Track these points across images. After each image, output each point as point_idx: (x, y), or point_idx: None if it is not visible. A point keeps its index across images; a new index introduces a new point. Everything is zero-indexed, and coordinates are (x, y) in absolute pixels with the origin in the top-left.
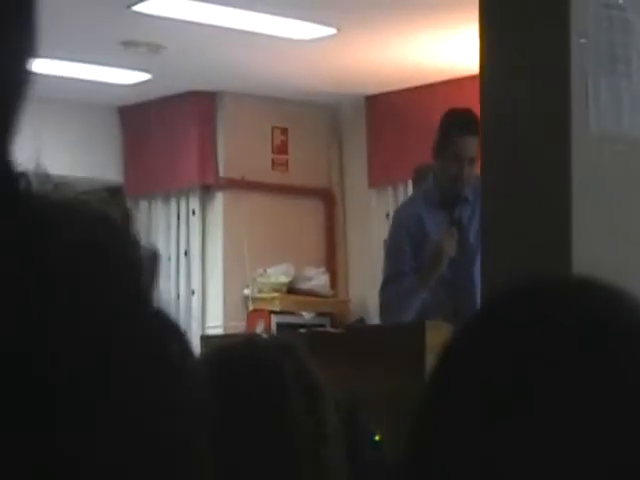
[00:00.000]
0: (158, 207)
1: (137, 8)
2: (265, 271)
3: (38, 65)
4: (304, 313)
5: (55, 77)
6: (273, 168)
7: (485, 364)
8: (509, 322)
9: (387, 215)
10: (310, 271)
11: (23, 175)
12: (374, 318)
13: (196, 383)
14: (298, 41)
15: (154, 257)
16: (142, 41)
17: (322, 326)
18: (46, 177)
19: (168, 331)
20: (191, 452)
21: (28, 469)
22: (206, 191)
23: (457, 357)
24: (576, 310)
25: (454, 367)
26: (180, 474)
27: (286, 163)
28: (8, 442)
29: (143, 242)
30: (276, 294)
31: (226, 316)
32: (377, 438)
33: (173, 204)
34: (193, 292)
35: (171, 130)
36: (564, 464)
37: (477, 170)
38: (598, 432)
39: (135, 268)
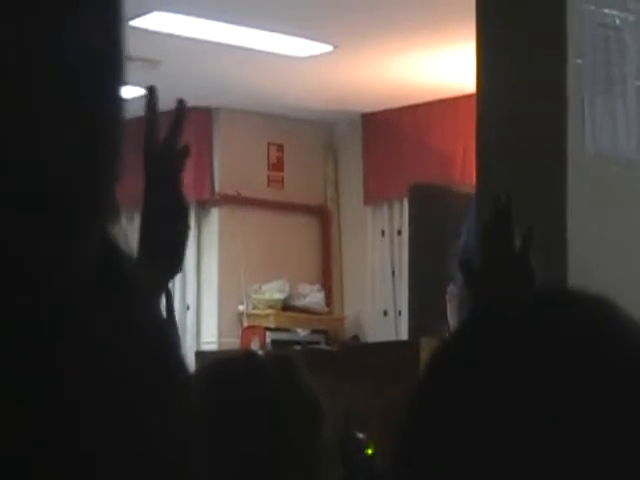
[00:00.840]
0: None
1: (134, 23)
2: (260, 287)
3: None
4: (299, 330)
5: None
6: (269, 185)
7: (461, 385)
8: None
9: (382, 232)
10: (305, 288)
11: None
12: (369, 336)
13: (189, 397)
14: (295, 58)
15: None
16: (138, 56)
17: (317, 343)
18: None
19: (163, 345)
20: (184, 465)
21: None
22: (201, 206)
23: (436, 375)
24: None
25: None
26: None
27: (282, 180)
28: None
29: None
30: (271, 311)
31: (221, 332)
32: (370, 452)
33: None
34: (188, 307)
35: None
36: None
37: None
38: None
39: (133, 283)
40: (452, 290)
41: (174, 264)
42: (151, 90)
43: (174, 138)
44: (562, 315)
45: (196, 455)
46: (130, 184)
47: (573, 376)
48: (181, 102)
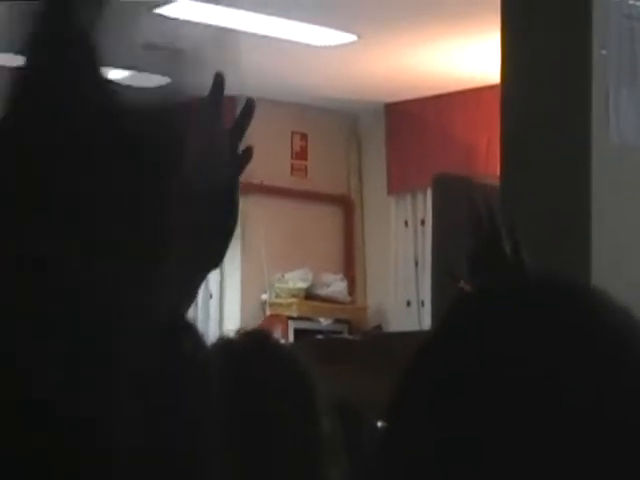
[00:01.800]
0: None
1: (159, 11)
2: (283, 276)
3: None
4: (322, 319)
5: None
6: (292, 174)
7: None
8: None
9: (406, 222)
10: (328, 277)
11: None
12: (391, 326)
13: (208, 377)
14: (319, 47)
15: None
16: (162, 44)
17: (340, 333)
18: None
19: (180, 325)
20: (200, 443)
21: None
22: None
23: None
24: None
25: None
26: (190, 468)
27: (305, 169)
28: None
29: None
30: (294, 299)
31: (243, 321)
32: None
33: None
34: (211, 296)
35: None
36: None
37: None
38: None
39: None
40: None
41: (218, 254)
42: (219, 77)
43: (240, 131)
44: (546, 298)
45: (212, 433)
46: None
47: (556, 353)
48: (250, 100)
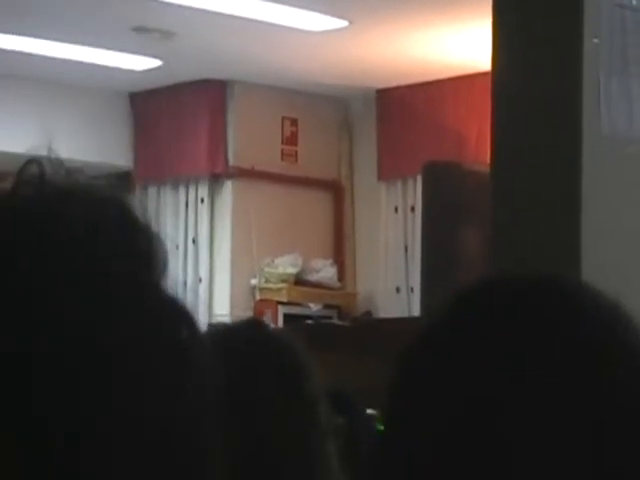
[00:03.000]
0: (167, 194)
1: None
2: (273, 261)
3: (50, 48)
4: (311, 305)
5: (67, 61)
6: (282, 159)
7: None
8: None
9: (396, 208)
10: (318, 263)
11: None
12: (381, 312)
13: (204, 367)
14: (310, 32)
15: (162, 242)
16: (154, 27)
17: (329, 318)
18: (59, 163)
19: (178, 318)
20: (197, 433)
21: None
22: (215, 179)
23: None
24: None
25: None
26: (186, 455)
27: (295, 154)
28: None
29: (152, 227)
30: (283, 285)
31: (233, 305)
32: (381, 428)
33: (182, 192)
34: (200, 280)
35: (181, 117)
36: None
37: None
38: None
39: (146, 255)
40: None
41: None
42: None
43: None
44: (545, 295)
45: (208, 422)
46: (145, 158)
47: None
48: None
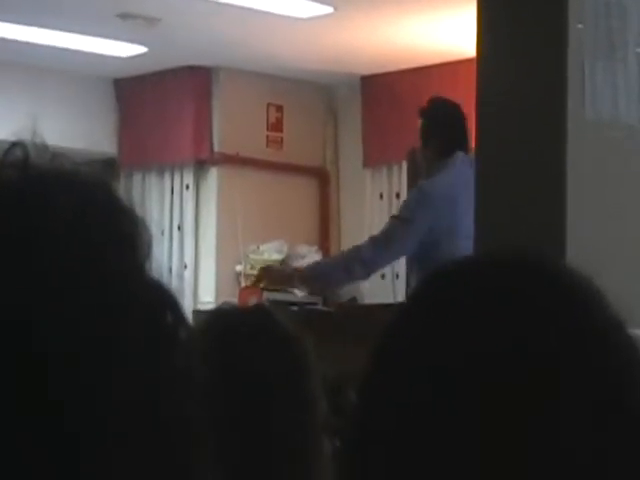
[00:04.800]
0: (152, 181)
1: None
2: (258, 248)
3: (34, 34)
4: (296, 291)
5: (51, 47)
6: (268, 145)
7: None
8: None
9: (381, 195)
10: (303, 249)
11: (21, 145)
12: (366, 298)
13: (190, 352)
14: (295, 19)
15: (147, 228)
16: (139, 13)
17: (314, 304)
18: (44, 147)
19: (163, 301)
20: (184, 420)
21: (32, 448)
22: (200, 166)
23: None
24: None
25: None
26: (173, 441)
27: (281, 140)
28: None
29: (138, 212)
30: None
31: (218, 292)
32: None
33: (167, 178)
34: (185, 266)
35: (166, 104)
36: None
37: None
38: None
39: (130, 238)
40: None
41: None
42: None
43: None
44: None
45: (194, 408)
46: (130, 144)
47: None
48: None
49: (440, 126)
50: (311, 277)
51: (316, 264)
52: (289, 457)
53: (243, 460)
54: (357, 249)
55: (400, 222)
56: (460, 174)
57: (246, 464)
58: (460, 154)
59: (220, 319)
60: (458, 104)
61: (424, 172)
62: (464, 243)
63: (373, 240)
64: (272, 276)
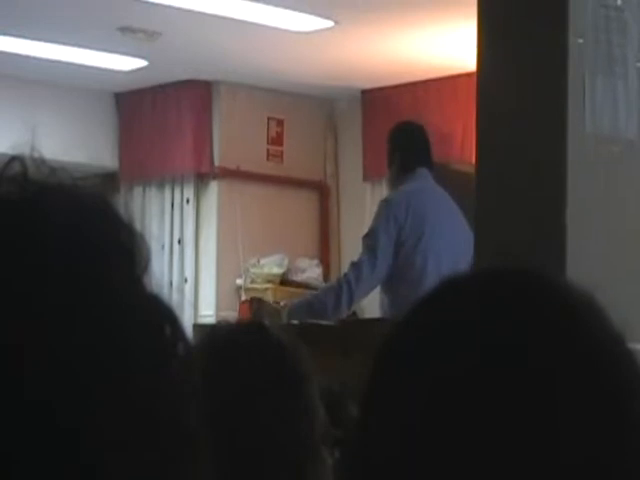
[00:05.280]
0: (152, 194)
1: None
2: (258, 261)
3: (35, 48)
4: None
5: (52, 61)
6: (268, 159)
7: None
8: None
9: None
10: (304, 262)
11: (20, 159)
12: (367, 311)
13: (188, 366)
14: (296, 33)
15: (145, 242)
16: (139, 27)
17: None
18: (42, 161)
19: (161, 315)
20: (181, 433)
21: (31, 445)
22: (201, 179)
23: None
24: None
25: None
26: (170, 454)
27: (281, 154)
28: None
29: (136, 227)
30: (269, 285)
31: (219, 305)
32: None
33: (167, 191)
34: (186, 280)
35: (167, 118)
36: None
37: None
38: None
39: (129, 252)
40: None
41: None
42: None
43: None
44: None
45: (192, 421)
46: (131, 157)
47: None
48: None
49: (401, 149)
50: (297, 310)
51: (303, 297)
52: (286, 467)
53: (239, 470)
54: (344, 275)
55: (370, 235)
56: (424, 188)
57: (242, 474)
58: (421, 170)
59: (218, 333)
60: (421, 125)
61: (389, 191)
62: (439, 262)
63: (353, 264)
64: (263, 308)
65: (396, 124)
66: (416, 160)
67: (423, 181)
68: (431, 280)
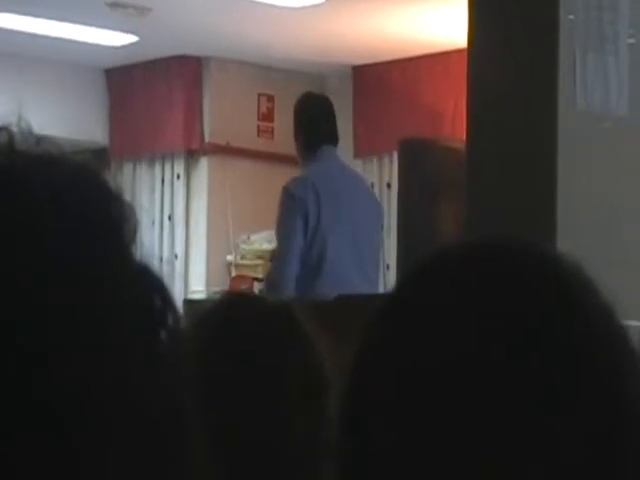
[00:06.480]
0: (143, 170)
1: None
2: (249, 237)
3: (25, 23)
4: None
5: (42, 37)
6: (259, 135)
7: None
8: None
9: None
10: None
11: (5, 129)
12: None
13: (177, 336)
14: (286, 8)
15: (133, 212)
16: (130, 3)
17: None
18: (29, 132)
19: (150, 284)
20: (173, 406)
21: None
22: (191, 156)
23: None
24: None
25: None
26: (162, 426)
27: (272, 130)
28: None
29: (124, 197)
30: (260, 261)
31: (209, 281)
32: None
33: (158, 168)
34: (176, 256)
35: (157, 94)
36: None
37: None
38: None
39: (118, 222)
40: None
41: None
42: None
43: None
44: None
45: (184, 394)
46: (121, 134)
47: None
48: None
49: (304, 122)
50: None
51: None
52: (302, 463)
53: (249, 455)
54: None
55: (278, 229)
56: (328, 168)
57: (252, 458)
58: (327, 147)
59: (242, 306)
60: (326, 97)
61: (300, 165)
62: (339, 247)
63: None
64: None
65: (300, 96)
66: (321, 136)
67: (327, 161)
68: (330, 266)
